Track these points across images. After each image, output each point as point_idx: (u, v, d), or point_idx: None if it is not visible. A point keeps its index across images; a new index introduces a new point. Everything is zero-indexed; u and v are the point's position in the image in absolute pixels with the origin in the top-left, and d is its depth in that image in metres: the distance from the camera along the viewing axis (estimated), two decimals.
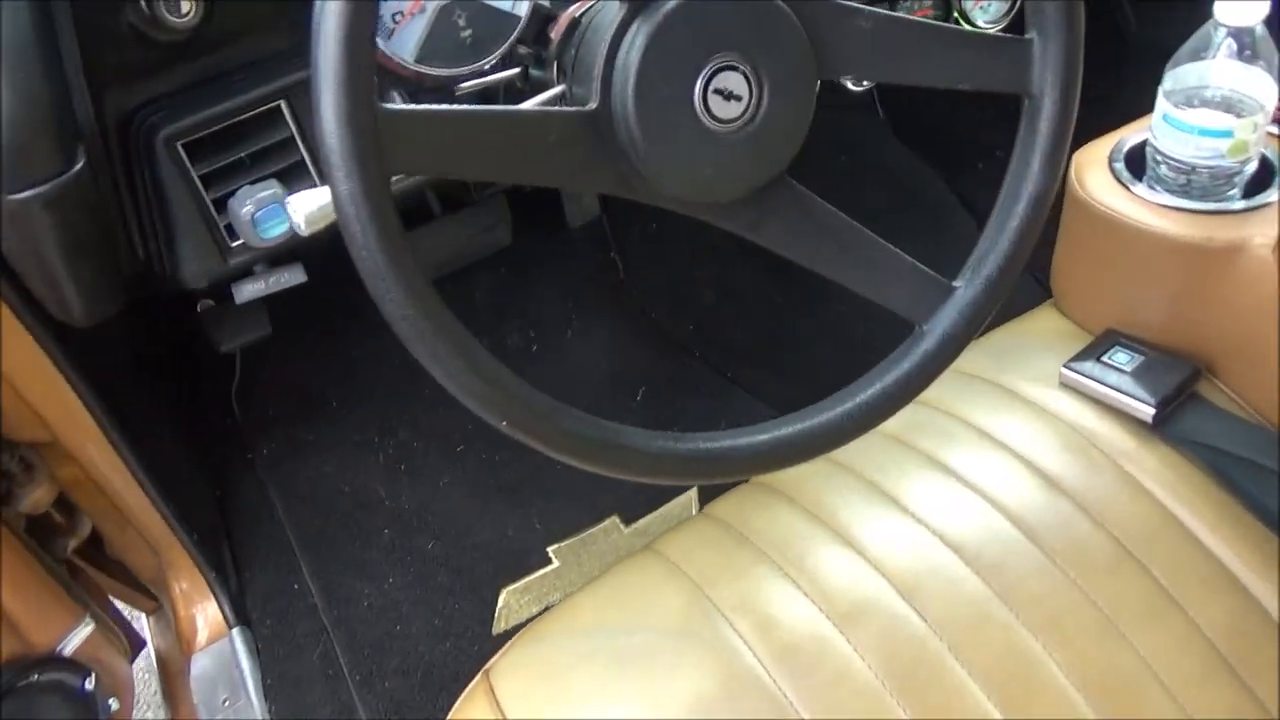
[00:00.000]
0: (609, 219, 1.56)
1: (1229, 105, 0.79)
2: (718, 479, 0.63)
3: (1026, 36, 0.64)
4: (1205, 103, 0.79)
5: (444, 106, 0.51)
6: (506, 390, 0.55)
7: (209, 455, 1.31)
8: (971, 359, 0.93)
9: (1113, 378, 0.84)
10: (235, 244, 0.78)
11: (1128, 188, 0.85)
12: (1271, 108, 0.80)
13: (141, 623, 1.26)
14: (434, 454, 1.35)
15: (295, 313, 1.50)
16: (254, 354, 1.44)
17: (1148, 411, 0.81)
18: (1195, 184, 0.82)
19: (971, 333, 0.67)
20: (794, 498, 0.83)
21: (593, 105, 0.57)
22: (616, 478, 0.61)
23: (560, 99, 0.62)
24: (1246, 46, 0.78)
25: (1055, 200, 0.67)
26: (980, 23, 1.27)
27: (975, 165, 1.59)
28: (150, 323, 1.24)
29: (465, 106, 0.52)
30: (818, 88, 0.62)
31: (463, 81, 0.66)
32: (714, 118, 0.58)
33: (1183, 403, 0.83)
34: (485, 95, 0.69)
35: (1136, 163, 0.87)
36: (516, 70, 0.68)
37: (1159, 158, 0.84)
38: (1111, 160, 0.87)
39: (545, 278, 1.52)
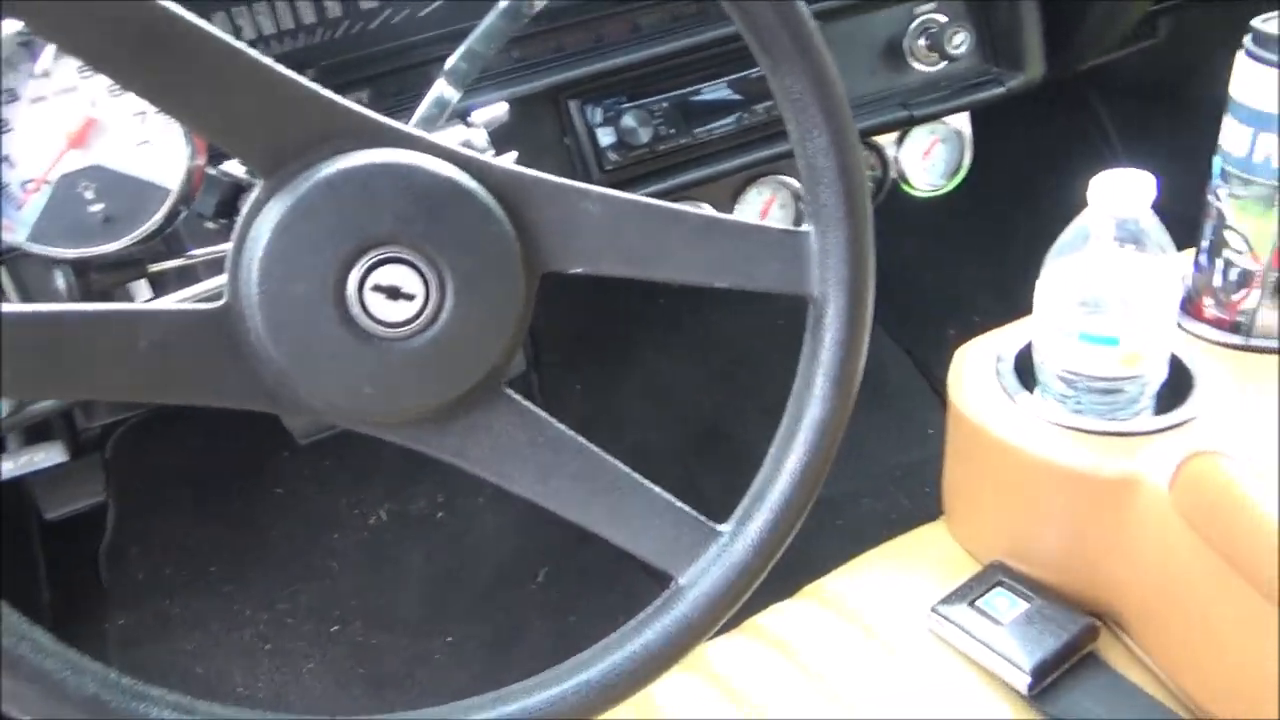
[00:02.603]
0: (539, 378, 1.46)
1: (1118, 305, 0.65)
2: None
3: (803, 229, 0.52)
4: (1090, 303, 0.65)
5: None
6: None
7: (55, 626, 1.20)
8: (838, 584, 0.78)
9: (985, 630, 0.68)
10: None
11: (1012, 399, 0.71)
12: (1168, 306, 0.66)
13: None
14: (305, 633, 1.22)
15: (198, 464, 1.40)
16: (138, 509, 1.34)
17: (1022, 680, 0.65)
18: (1088, 398, 0.68)
19: (741, 591, 0.53)
20: None
21: (221, 303, 0.46)
22: None
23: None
24: (1134, 237, 0.64)
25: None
26: (920, 185, 1.17)
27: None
28: None
29: None
30: (534, 282, 0.50)
31: (97, 262, 0.56)
32: (376, 320, 0.47)
33: (1072, 667, 0.66)
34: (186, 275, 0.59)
35: (1029, 367, 0.73)
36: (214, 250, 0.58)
37: (1044, 364, 0.70)
38: (998, 362, 0.73)
39: None
